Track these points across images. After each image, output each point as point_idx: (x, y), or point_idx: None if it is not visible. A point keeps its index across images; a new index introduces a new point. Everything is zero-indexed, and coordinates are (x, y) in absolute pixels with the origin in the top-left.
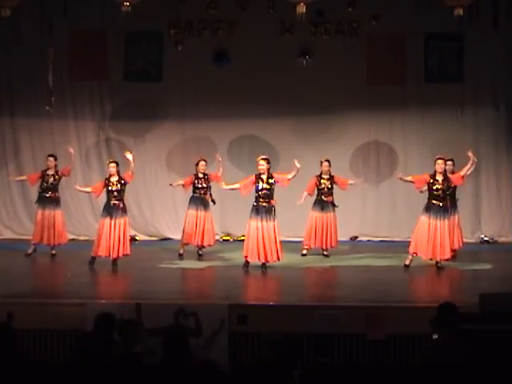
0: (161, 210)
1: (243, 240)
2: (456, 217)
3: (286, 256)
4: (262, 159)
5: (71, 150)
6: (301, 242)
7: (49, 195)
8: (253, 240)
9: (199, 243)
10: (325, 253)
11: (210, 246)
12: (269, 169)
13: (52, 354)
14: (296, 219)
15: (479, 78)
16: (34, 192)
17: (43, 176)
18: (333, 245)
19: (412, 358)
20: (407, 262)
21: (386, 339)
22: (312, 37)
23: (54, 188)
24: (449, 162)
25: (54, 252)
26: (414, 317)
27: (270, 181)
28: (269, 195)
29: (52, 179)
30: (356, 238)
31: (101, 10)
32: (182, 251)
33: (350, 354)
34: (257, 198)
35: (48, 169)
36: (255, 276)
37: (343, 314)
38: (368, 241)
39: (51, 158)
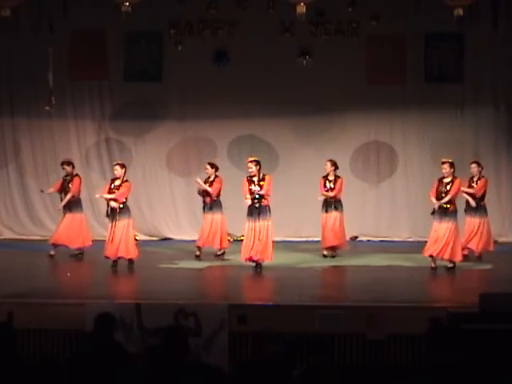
0: (161, 210)
1: (243, 240)
2: (484, 220)
3: (286, 256)
4: (250, 162)
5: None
6: (301, 242)
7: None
8: (249, 241)
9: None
10: (324, 252)
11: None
12: (259, 170)
13: (52, 354)
14: (296, 219)
15: (479, 78)
16: (34, 192)
17: (64, 182)
18: (341, 246)
19: (412, 358)
20: (432, 265)
21: (386, 339)
22: (312, 37)
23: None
24: (472, 165)
25: (52, 253)
26: (413, 317)
27: (262, 183)
28: (261, 196)
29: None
30: (356, 237)
31: (101, 10)
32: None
33: (350, 354)
34: (250, 200)
35: (67, 175)
36: (255, 276)
37: (343, 313)
38: (368, 241)
39: (65, 166)
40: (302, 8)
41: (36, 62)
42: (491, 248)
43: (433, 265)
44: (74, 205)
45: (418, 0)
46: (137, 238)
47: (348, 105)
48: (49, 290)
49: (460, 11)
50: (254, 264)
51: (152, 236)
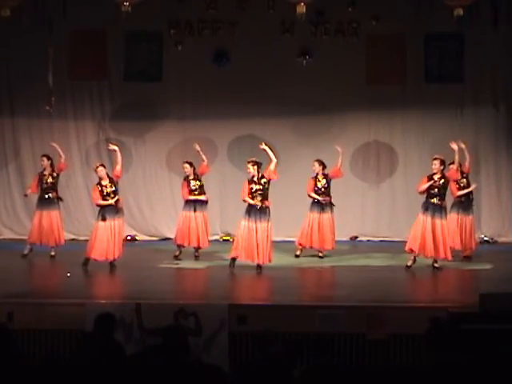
0: (161, 210)
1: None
2: (471, 217)
3: (286, 256)
4: (249, 163)
5: (54, 144)
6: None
7: (48, 196)
8: (246, 241)
9: (195, 245)
10: (320, 254)
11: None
12: (258, 170)
13: (52, 354)
14: (295, 219)
15: (479, 78)
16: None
17: (41, 177)
18: (329, 247)
19: (412, 358)
20: (409, 263)
21: (386, 339)
22: (312, 37)
23: (54, 187)
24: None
25: (53, 253)
26: (414, 317)
27: (263, 180)
28: (262, 195)
29: (50, 178)
30: (356, 237)
31: (101, 10)
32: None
33: (350, 354)
34: (251, 199)
35: (44, 169)
36: (255, 276)
37: (343, 313)
38: (368, 241)
39: (44, 158)
40: (302, 8)
41: (36, 62)
42: (473, 246)
43: (435, 264)
44: (55, 202)
45: (418, 0)
46: (137, 238)
47: (348, 105)
48: (49, 290)
49: (460, 11)
50: (255, 264)
51: (152, 236)
